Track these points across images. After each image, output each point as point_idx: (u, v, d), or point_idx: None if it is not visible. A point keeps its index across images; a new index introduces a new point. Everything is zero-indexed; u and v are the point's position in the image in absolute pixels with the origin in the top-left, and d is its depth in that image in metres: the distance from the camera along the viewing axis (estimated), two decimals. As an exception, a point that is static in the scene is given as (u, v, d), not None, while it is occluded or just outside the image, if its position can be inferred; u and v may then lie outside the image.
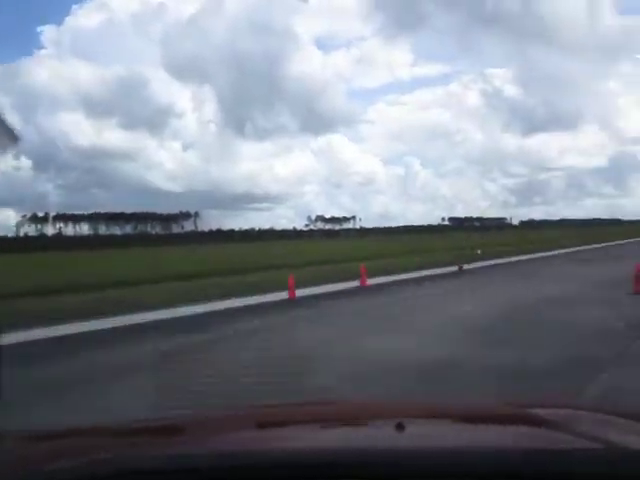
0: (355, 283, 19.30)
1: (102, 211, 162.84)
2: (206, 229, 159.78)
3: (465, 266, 25.88)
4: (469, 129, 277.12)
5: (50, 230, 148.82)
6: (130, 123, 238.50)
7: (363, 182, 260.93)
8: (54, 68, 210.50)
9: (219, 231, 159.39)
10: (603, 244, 54.78)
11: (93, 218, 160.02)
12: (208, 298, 15.51)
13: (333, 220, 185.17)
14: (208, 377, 4.64)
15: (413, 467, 1.20)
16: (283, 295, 16.16)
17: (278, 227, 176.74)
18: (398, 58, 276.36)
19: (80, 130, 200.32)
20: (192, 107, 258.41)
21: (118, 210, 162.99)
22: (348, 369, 7.07)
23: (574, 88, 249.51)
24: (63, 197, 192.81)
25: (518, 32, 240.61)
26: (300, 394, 3.99)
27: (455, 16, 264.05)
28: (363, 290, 18.46)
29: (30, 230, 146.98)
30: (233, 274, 23.21)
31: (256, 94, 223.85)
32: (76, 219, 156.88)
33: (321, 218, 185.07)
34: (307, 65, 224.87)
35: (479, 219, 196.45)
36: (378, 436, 1.51)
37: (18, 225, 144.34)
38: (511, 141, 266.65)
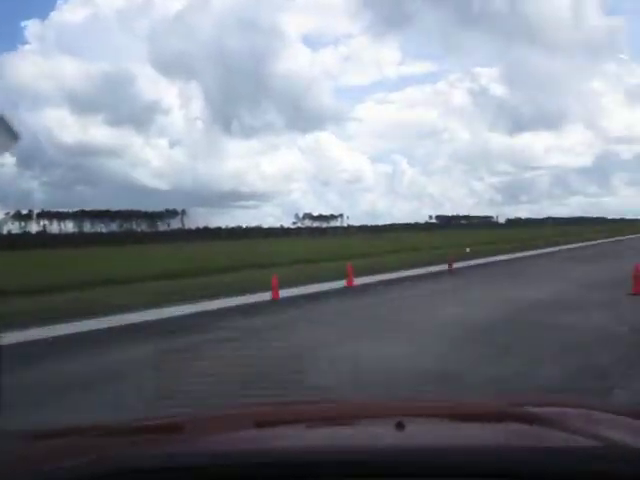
0: (341, 283, 18.54)
1: (87, 209, 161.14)
2: (193, 227, 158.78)
3: (455, 265, 25.23)
4: (456, 128, 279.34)
5: (34, 228, 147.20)
6: (116, 120, 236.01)
7: (351, 180, 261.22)
8: (38, 64, 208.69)
9: (206, 229, 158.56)
10: (593, 242, 54.51)
11: (78, 216, 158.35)
12: (186, 299, 14.73)
13: (320, 218, 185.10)
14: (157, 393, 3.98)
15: (413, 466, 1.20)
16: (266, 296, 15.38)
17: (265, 225, 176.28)
18: (386, 56, 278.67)
19: (65, 126, 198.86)
20: (179, 104, 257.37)
21: (103, 208, 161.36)
22: (324, 381, 6.28)
23: (559, 87, 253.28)
24: (47, 194, 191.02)
25: (504, 31, 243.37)
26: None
27: (442, 15, 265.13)
28: (350, 290, 17.65)
29: (14, 228, 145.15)
30: (216, 273, 22.41)
31: (243, 91, 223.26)
32: (61, 217, 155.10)
33: (308, 216, 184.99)
34: (295, 62, 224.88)
35: (466, 217, 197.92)
36: (378, 435, 1.48)
37: (1, 223, 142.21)
38: (497, 140, 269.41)
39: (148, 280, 19.52)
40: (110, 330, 11.00)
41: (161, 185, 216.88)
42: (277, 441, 1.50)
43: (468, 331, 9.79)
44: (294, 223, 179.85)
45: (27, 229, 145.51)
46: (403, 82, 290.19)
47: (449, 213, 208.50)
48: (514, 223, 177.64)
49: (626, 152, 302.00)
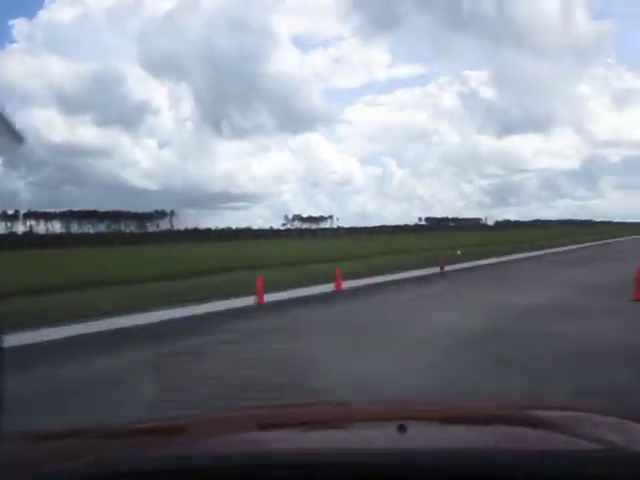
0: (330, 286, 17.86)
1: (75, 209, 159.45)
2: (182, 228, 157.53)
3: (447, 268, 24.64)
4: (445, 130, 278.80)
5: (20, 228, 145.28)
6: (105, 120, 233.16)
7: (340, 182, 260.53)
8: (26, 63, 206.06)
9: (195, 230, 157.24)
10: (582, 245, 54.17)
11: (65, 216, 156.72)
12: (166, 303, 13.99)
13: (310, 219, 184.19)
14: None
15: (414, 469, 1.20)
16: (250, 300, 14.65)
17: (255, 226, 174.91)
18: (376, 58, 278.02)
19: (53, 126, 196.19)
20: (168, 104, 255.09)
21: (92, 208, 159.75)
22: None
23: (547, 91, 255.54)
24: (34, 194, 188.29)
25: (493, 35, 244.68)
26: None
27: (432, 18, 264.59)
28: (338, 295, 16.91)
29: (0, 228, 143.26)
30: (200, 276, 21.65)
31: (233, 92, 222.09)
32: (48, 217, 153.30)
33: (298, 217, 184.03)
34: (285, 64, 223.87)
35: (455, 219, 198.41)
36: (380, 438, 1.47)
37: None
38: (486, 142, 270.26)
39: (125, 283, 18.67)
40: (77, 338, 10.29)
41: (150, 186, 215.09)
42: (276, 443, 1.48)
43: (463, 342, 9.08)
44: (284, 225, 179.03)
45: (13, 229, 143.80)
46: (393, 84, 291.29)
47: (438, 215, 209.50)
48: (503, 225, 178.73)
49: (614, 156, 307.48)
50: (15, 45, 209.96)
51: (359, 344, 9.09)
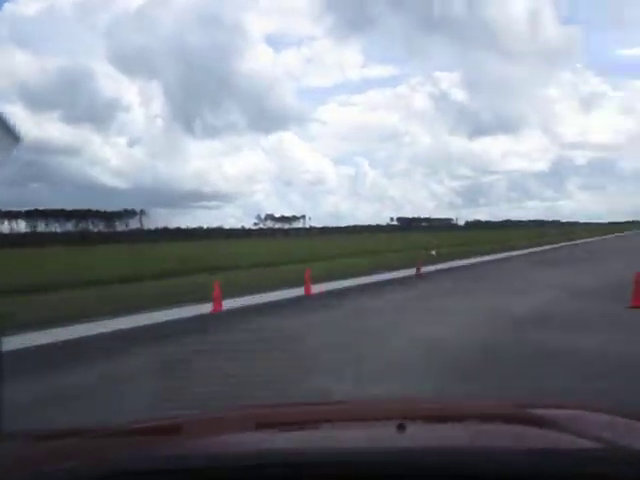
0: (299, 291, 16.38)
1: (41, 207, 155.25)
2: (152, 227, 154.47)
3: (422, 269, 23.35)
4: (417, 131, 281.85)
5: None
6: (73, 117, 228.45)
7: (313, 181, 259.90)
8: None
9: (165, 229, 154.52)
10: (556, 245, 53.54)
11: (31, 215, 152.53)
12: (108, 312, 12.31)
13: (283, 219, 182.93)
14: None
15: (414, 468, 1.20)
16: (206, 308, 13.07)
17: (227, 226, 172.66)
18: (349, 59, 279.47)
19: (18, 123, 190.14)
20: (139, 102, 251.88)
21: (59, 207, 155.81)
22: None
23: (517, 93, 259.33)
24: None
25: (465, 37, 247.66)
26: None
27: (405, 19, 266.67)
28: (307, 300, 15.33)
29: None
30: (157, 278, 19.93)
31: (205, 90, 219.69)
32: (12, 216, 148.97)
33: (270, 217, 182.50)
34: (257, 63, 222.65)
35: (427, 219, 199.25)
36: (379, 436, 1.47)
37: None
38: (457, 144, 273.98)
39: (73, 287, 16.76)
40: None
41: (120, 184, 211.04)
42: (275, 443, 1.45)
43: (437, 364, 7.66)
44: (256, 224, 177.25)
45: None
46: (365, 85, 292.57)
47: (410, 215, 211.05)
48: (473, 226, 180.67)
49: (580, 158, 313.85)
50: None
51: (320, 368, 7.35)
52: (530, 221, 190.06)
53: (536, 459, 1.20)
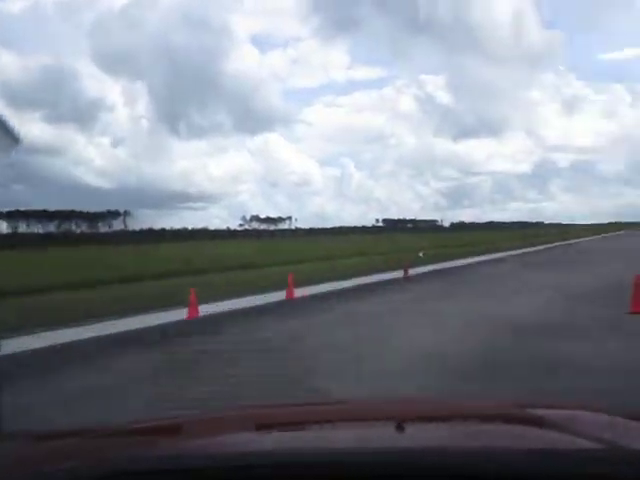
0: (281, 295, 15.57)
1: (22, 208, 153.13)
2: (137, 228, 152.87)
3: (410, 271, 22.63)
4: (402, 133, 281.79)
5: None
6: (56, 116, 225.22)
7: (299, 183, 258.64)
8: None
9: (149, 230, 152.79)
10: (543, 246, 53.14)
11: (13, 216, 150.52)
12: (60, 321, 11.30)
13: (268, 220, 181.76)
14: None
15: (413, 468, 1.19)
16: (181, 314, 12.19)
17: (212, 227, 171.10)
18: (335, 60, 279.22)
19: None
20: (123, 102, 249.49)
21: (41, 207, 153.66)
22: None
23: (501, 96, 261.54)
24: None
25: (450, 40, 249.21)
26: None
27: (391, 21, 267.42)
28: (288, 305, 14.47)
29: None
30: (132, 281, 19.00)
31: (190, 91, 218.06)
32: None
33: (256, 218, 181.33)
34: (243, 63, 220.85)
35: (412, 221, 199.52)
36: (378, 436, 1.47)
37: None
38: (442, 146, 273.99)
39: (33, 292, 15.61)
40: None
41: (104, 185, 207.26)
42: (275, 443, 1.46)
43: (432, 379, 6.91)
44: (241, 225, 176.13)
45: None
46: (351, 86, 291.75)
47: (395, 217, 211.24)
48: (458, 227, 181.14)
49: (563, 160, 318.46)
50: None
51: (295, 388, 6.63)
52: (513, 222, 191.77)
53: (536, 459, 1.20)
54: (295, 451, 1.31)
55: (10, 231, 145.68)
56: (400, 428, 1.34)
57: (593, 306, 12.47)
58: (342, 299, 15.56)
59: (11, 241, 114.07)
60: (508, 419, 1.66)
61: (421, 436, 1.45)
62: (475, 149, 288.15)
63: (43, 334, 10.17)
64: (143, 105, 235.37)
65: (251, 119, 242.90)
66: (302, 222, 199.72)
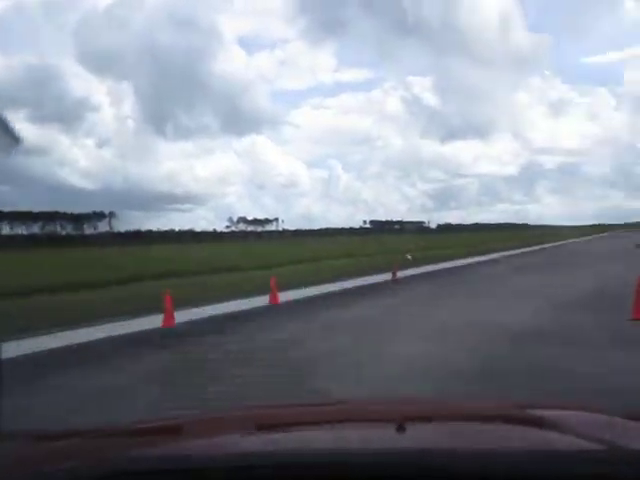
0: (264, 299, 14.88)
1: (5, 209, 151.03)
2: (122, 230, 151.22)
3: (398, 274, 22.03)
4: (389, 135, 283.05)
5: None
6: (40, 116, 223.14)
7: (286, 184, 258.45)
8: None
9: (135, 232, 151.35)
10: (530, 248, 52.81)
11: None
12: (41, 326, 10.64)
13: (255, 222, 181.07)
14: None
15: (414, 468, 1.18)
16: (157, 321, 11.47)
17: (199, 229, 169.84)
18: (322, 62, 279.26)
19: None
20: (108, 102, 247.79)
21: (26, 209, 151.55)
22: None
23: (488, 99, 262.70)
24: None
25: (437, 43, 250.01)
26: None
27: (378, 23, 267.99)
28: (272, 311, 13.73)
29: None
30: (109, 285, 18.22)
31: (177, 92, 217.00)
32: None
33: (243, 220, 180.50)
34: (230, 65, 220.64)
35: (399, 222, 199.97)
36: (379, 437, 1.45)
37: None
38: (429, 148, 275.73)
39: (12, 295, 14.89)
40: None
41: (89, 186, 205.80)
42: (276, 443, 1.42)
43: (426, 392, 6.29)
44: (228, 227, 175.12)
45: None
46: (339, 88, 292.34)
47: (382, 218, 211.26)
48: (445, 229, 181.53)
49: (549, 162, 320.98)
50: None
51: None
52: (500, 224, 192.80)
53: (536, 459, 1.19)
54: (295, 452, 1.30)
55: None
56: (401, 429, 1.33)
57: (593, 312, 11.92)
58: (327, 303, 14.90)
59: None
60: (508, 420, 1.66)
61: (422, 437, 1.45)
62: (462, 151, 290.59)
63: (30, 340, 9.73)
64: (129, 105, 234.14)
65: (238, 120, 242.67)
66: (289, 224, 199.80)
